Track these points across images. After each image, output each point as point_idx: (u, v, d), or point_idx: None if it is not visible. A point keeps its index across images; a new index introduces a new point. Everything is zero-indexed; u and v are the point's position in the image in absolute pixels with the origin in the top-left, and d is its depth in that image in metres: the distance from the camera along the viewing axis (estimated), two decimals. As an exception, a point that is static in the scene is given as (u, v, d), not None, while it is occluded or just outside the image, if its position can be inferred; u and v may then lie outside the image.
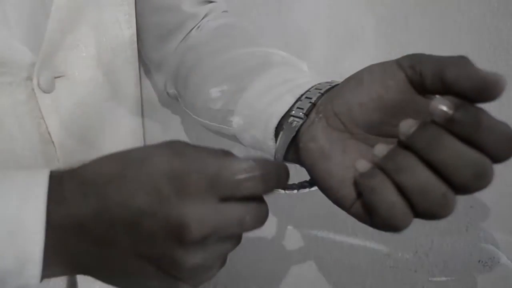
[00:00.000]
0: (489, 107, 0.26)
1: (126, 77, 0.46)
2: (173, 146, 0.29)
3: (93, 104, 0.41)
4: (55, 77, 0.37)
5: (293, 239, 0.79)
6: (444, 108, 0.24)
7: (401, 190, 0.26)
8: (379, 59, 0.32)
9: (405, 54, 0.30)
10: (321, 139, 0.31)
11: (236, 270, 0.83)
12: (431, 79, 0.26)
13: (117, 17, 0.43)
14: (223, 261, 0.31)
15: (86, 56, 0.40)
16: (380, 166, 0.27)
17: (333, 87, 0.34)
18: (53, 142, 0.37)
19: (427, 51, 0.61)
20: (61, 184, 0.27)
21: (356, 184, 0.29)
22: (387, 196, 0.26)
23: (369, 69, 0.30)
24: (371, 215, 0.28)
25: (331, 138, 0.31)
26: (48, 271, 0.28)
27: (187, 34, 0.54)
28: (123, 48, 0.44)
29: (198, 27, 0.53)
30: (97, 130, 0.42)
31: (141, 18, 0.54)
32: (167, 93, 0.57)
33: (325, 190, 0.32)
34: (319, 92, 0.34)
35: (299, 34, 0.67)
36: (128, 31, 0.45)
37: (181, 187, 0.26)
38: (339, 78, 0.36)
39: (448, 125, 0.24)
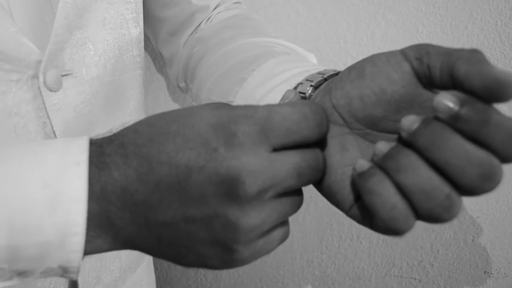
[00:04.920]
0: (500, 105, 0.24)
1: (132, 77, 0.45)
2: (216, 103, 0.26)
3: (98, 103, 0.41)
4: (62, 75, 0.36)
5: (296, 245, 0.78)
6: (449, 103, 0.22)
7: (402, 191, 0.24)
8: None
9: None
10: None
11: (239, 275, 0.82)
12: (440, 73, 0.24)
13: (124, 15, 0.43)
14: (284, 230, 0.27)
15: (93, 54, 0.39)
16: (381, 165, 0.25)
17: (337, 73, 0.32)
18: (58, 141, 0.37)
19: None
20: (101, 150, 0.25)
21: (354, 184, 0.27)
22: (387, 198, 0.24)
23: (372, 60, 0.28)
24: (371, 217, 0.26)
25: (330, 133, 0.29)
26: (92, 245, 0.25)
27: (197, 27, 0.53)
28: (129, 47, 0.44)
29: (208, 19, 0.53)
30: (102, 129, 0.42)
31: (151, 13, 0.54)
32: (179, 87, 0.57)
33: (322, 190, 0.29)
34: (322, 77, 0.32)
35: (307, 38, 0.66)
36: (135, 30, 0.44)
37: (230, 137, 0.24)
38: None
39: (453, 122, 0.23)
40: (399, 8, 0.62)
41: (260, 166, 0.24)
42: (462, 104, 0.22)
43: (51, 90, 0.35)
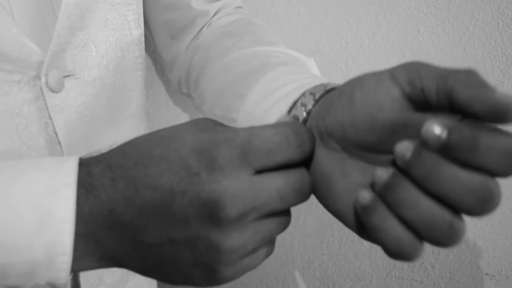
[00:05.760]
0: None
1: (133, 78, 0.45)
2: (200, 122, 0.27)
3: (100, 104, 0.41)
4: (64, 76, 0.36)
5: (297, 247, 0.78)
6: (436, 131, 0.22)
7: (406, 224, 0.24)
8: (388, 65, 0.29)
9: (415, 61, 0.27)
10: (319, 162, 0.29)
11: (239, 276, 0.82)
12: (436, 96, 0.24)
13: (126, 16, 0.43)
14: (269, 248, 0.28)
15: (95, 55, 0.39)
16: (382, 197, 0.25)
17: (328, 91, 0.32)
18: (59, 142, 0.36)
19: (438, 58, 0.60)
20: (89, 170, 0.26)
21: (358, 215, 0.27)
22: (393, 232, 0.24)
23: (361, 84, 0.27)
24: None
25: (329, 160, 0.29)
26: (79, 263, 0.26)
27: (198, 32, 0.53)
28: (131, 48, 0.44)
29: (209, 24, 0.53)
30: (103, 130, 0.42)
31: (151, 16, 0.54)
32: (182, 92, 0.56)
33: (333, 213, 0.30)
34: (314, 99, 0.32)
35: (308, 38, 0.66)
36: (136, 31, 0.44)
37: (211, 162, 0.24)
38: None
39: (443, 151, 0.22)
40: (400, 9, 0.62)
41: (240, 189, 0.24)
42: (450, 132, 0.22)
43: (53, 91, 0.35)
